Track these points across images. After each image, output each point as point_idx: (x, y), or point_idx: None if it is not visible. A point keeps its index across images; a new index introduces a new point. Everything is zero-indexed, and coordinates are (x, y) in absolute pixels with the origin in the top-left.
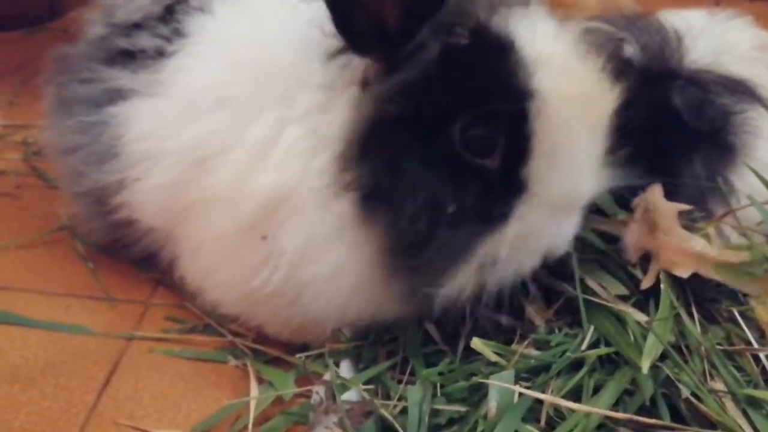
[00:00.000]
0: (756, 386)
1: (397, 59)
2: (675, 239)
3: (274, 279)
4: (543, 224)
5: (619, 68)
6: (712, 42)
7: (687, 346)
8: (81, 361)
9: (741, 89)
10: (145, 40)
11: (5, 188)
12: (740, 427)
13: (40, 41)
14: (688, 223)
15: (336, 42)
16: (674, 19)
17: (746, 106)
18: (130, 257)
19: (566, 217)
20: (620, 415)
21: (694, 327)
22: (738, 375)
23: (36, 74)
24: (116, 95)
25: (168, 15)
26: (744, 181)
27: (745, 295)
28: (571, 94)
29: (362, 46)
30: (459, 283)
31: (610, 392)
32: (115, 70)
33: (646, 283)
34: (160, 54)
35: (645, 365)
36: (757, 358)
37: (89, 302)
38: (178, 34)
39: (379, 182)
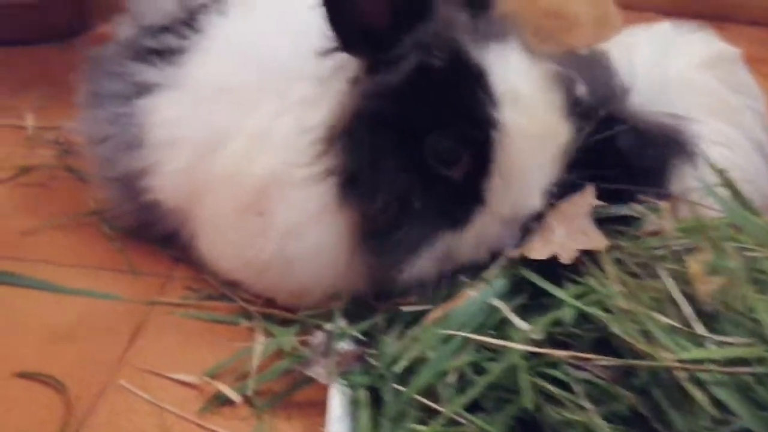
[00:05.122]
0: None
1: (380, 62)
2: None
3: (267, 250)
4: (494, 231)
5: (571, 106)
6: (655, 78)
7: None
8: (111, 323)
9: (674, 138)
10: (170, 40)
11: (40, 180)
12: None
13: (69, 53)
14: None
15: (329, 41)
16: (637, 36)
17: (679, 159)
18: (154, 237)
19: (512, 224)
20: None
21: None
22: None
23: (65, 82)
24: (143, 88)
25: (191, 19)
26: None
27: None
28: (529, 131)
29: (352, 45)
30: (418, 270)
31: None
32: (143, 66)
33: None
34: (181, 52)
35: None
36: None
37: (116, 275)
38: (196, 33)
39: (357, 172)
